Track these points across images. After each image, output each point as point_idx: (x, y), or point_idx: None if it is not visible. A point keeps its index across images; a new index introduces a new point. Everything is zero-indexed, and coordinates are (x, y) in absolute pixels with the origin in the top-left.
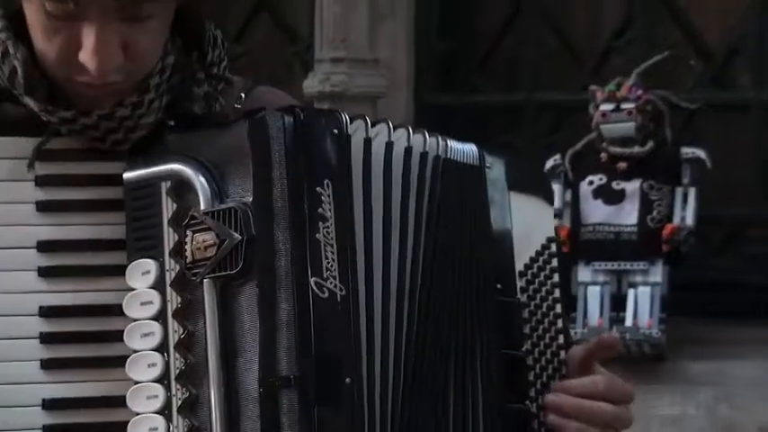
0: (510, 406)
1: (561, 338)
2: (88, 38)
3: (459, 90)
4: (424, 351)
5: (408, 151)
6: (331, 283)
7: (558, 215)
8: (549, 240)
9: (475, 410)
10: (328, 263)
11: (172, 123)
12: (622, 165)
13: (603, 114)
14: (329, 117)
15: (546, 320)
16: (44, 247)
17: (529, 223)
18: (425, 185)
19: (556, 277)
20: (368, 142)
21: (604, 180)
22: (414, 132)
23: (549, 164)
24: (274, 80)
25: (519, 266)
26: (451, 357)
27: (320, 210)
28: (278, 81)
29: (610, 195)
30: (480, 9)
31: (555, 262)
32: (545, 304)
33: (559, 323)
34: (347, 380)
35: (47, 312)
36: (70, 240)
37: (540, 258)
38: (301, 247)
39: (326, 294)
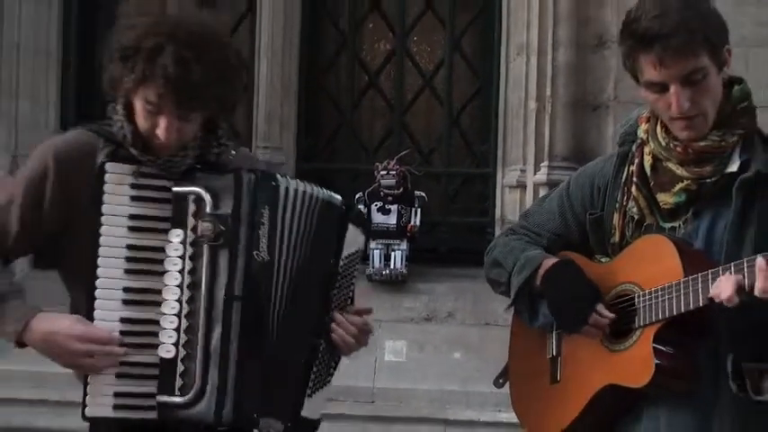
0: (321, 317)
1: (351, 295)
2: (162, 123)
3: (316, 161)
4: (296, 289)
5: (304, 194)
6: (263, 253)
7: None
8: (359, 249)
9: (319, 318)
10: (262, 244)
11: (199, 167)
12: (390, 198)
13: (381, 176)
14: (271, 176)
15: (347, 287)
16: (132, 217)
17: (356, 239)
18: (312, 215)
19: (356, 269)
20: (287, 189)
21: (382, 204)
22: (311, 185)
23: (357, 196)
24: None
25: (344, 254)
26: (310, 289)
27: (261, 219)
28: None
29: (384, 212)
30: (319, 127)
31: (358, 262)
32: (349, 278)
33: (351, 291)
34: (266, 300)
35: (130, 247)
36: (143, 215)
37: (355, 256)
38: (251, 236)
39: (260, 259)
